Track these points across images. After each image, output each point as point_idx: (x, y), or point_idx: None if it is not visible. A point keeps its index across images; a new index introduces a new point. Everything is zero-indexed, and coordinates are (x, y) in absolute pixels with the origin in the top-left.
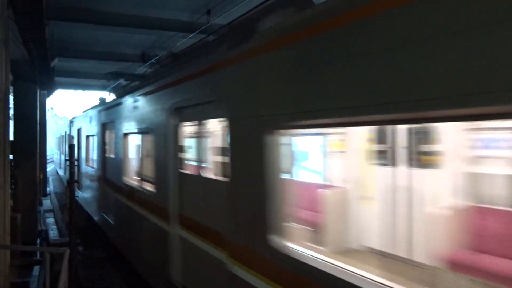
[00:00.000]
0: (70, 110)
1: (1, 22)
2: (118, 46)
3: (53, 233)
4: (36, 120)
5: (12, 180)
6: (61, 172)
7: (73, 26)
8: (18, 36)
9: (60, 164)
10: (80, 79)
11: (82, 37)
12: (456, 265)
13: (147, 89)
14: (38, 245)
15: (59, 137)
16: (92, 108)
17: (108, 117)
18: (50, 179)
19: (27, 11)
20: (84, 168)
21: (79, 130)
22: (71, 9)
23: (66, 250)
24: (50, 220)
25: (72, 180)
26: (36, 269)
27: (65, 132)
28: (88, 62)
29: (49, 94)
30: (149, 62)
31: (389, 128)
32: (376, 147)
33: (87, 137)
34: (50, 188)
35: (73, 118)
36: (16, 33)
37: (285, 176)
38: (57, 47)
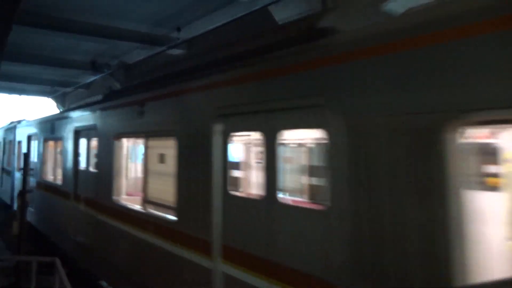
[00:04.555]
0: None
1: None
2: (66, 52)
3: None
4: None
5: None
6: None
7: (19, 30)
8: None
9: None
10: (18, 84)
11: (28, 41)
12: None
13: (64, 114)
14: None
15: None
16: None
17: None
18: None
19: None
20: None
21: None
22: (20, 12)
23: (56, 259)
24: None
25: (25, 189)
26: None
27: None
28: (31, 67)
29: None
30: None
31: None
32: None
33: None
34: None
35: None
36: None
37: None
38: None
